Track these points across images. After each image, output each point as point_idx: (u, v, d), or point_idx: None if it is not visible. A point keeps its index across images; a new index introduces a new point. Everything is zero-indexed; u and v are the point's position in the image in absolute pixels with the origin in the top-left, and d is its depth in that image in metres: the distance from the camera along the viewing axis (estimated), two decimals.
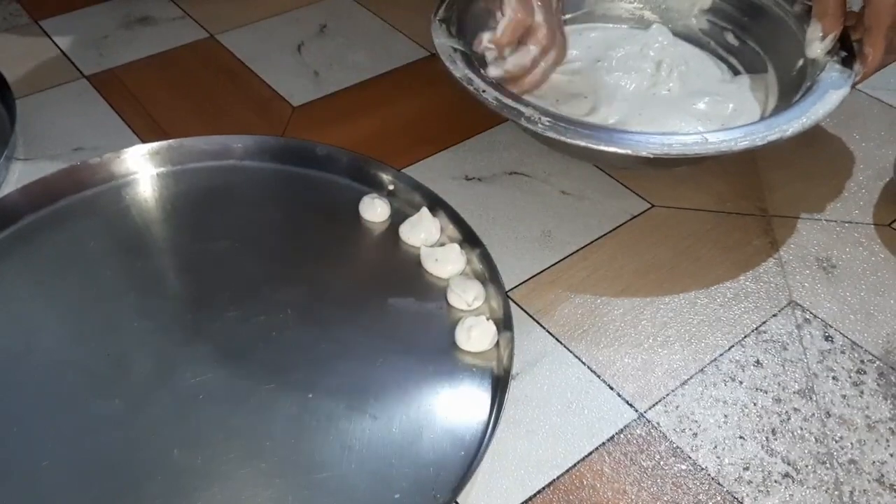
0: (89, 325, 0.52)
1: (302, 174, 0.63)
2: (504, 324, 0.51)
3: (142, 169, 0.62)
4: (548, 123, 0.55)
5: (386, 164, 0.62)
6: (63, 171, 0.60)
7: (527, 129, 0.56)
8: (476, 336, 0.51)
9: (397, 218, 0.59)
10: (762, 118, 0.61)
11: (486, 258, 0.55)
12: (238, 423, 0.47)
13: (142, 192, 0.61)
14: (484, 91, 0.57)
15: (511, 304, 0.54)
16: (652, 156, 0.53)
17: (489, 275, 0.54)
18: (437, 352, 0.51)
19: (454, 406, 0.48)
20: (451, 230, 0.58)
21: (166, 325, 0.52)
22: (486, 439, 0.46)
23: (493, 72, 0.62)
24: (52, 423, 0.47)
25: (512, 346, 0.50)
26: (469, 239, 0.57)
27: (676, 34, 0.72)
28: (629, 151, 0.53)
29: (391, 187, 0.61)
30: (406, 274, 0.56)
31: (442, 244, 0.57)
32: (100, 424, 0.47)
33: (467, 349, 0.51)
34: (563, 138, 0.54)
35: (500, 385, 0.49)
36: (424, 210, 0.58)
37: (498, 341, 0.51)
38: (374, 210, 0.59)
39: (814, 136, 0.68)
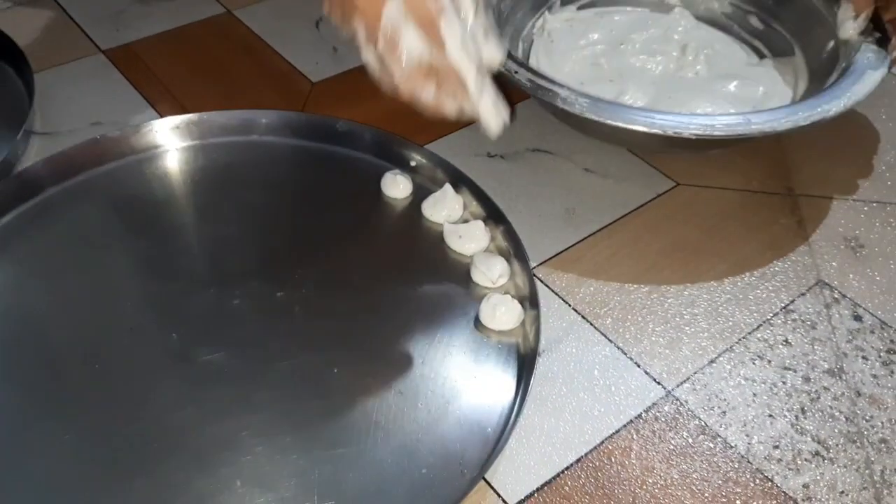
0: (109, 299, 0.52)
1: (323, 150, 0.62)
2: (530, 301, 0.51)
3: (163, 143, 0.62)
4: (586, 105, 0.54)
5: (408, 140, 0.61)
6: (84, 145, 0.60)
7: (561, 109, 0.55)
8: (502, 314, 0.50)
9: (420, 194, 0.59)
10: (799, 100, 0.60)
11: (510, 235, 0.55)
12: (261, 398, 0.47)
13: (162, 167, 0.61)
14: (516, 72, 0.56)
15: (535, 280, 0.54)
16: (695, 137, 0.52)
17: (514, 251, 0.54)
18: (462, 329, 0.51)
19: (480, 383, 0.48)
20: (475, 207, 0.57)
21: (187, 299, 0.52)
22: (512, 417, 0.46)
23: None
24: (73, 394, 0.47)
25: (538, 325, 0.49)
26: (493, 215, 0.56)
27: (698, 18, 0.71)
28: (672, 133, 0.52)
29: (413, 163, 0.61)
30: (429, 251, 0.56)
31: (465, 221, 0.56)
32: (122, 399, 0.47)
33: (493, 327, 0.50)
34: (602, 119, 0.53)
35: (526, 363, 0.48)
36: (447, 186, 0.57)
37: (524, 319, 0.51)
38: (397, 186, 0.59)
39: (840, 116, 0.67)
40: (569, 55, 0.69)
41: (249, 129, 0.63)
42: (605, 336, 0.51)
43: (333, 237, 0.56)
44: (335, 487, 0.43)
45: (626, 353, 0.50)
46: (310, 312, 0.51)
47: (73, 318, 0.51)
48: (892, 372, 0.50)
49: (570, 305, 0.53)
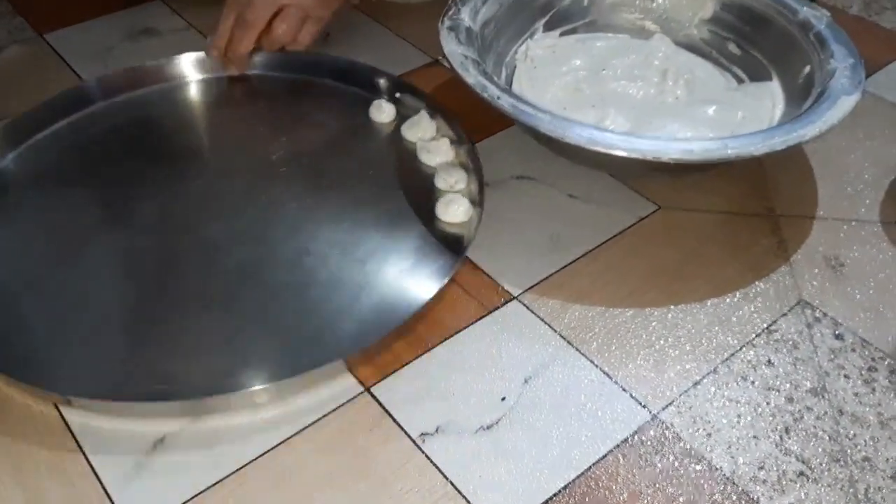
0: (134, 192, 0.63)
1: (318, 83, 0.73)
2: (479, 204, 0.60)
3: (173, 76, 0.73)
4: (567, 130, 0.55)
5: (393, 75, 0.72)
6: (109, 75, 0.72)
7: (544, 135, 0.56)
8: (454, 210, 0.59)
9: (402, 121, 0.68)
10: (777, 124, 0.61)
11: (471, 153, 0.63)
12: (252, 265, 0.57)
13: (174, 98, 0.73)
14: (499, 98, 0.57)
15: (521, 307, 0.55)
16: (674, 162, 0.53)
17: (473, 166, 0.63)
18: (421, 221, 0.60)
19: (430, 253, 0.58)
20: (445, 129, 0.67)
21: (190, 197, 0.63)
22: (452, 271, 0.56)
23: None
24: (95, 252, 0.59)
25: (480, 219, 0.59)
26: (459, 137, 0.65)
27: (678, 44, 0.73)
28: (652, 158, 0.53)
29: (397, 95, 0.70)
30: (402, 164, 0.65)
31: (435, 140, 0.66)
32: (143, 254, 0.58)
33: (445, 220, 0.60)
34: (583, 144, 0.54)
35: (465, 246, 0.58)
36: (423, 111, 0.67)
37: (471, 216, 0.60)
38: (382, 112, 0.69)
39: (815, 140, 0.68)
40: (551, 81, 0.70)
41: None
42: (591, 361, 0.52)
43: (323, 152, 0.67)
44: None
45: (611, 378, 0.51)
46: (292, 206, 0.61)
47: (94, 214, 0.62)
48: (874, 390, 0.50)
49: (555, 331, 0.54)
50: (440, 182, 0.62)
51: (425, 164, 0.64)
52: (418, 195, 0.62)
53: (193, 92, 0.73)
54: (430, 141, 0.65)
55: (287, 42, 0.71)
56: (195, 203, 0.62)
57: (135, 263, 0.58)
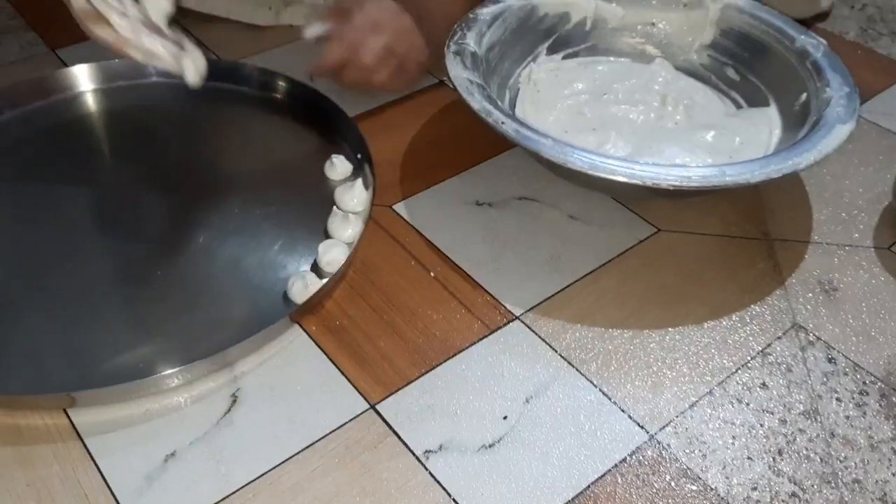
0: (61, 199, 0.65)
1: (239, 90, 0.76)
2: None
3: (83, 86, 0.74)
4: (569, 155, 0.56)
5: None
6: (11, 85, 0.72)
7: (544, 159, 0.57)
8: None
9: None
10: (775, 151, 0.63)
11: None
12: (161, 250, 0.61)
13: (88, 107, 0.74)
14: (503, 123, 0.59)
15: (523, 326, 0.56)
16: (672, 188, 0.55)
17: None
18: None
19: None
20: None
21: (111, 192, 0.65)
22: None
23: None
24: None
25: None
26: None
27: (678, 69, 0.75)
28: (651, 184, 0.55)
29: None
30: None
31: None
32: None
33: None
34: (585, 170, 0.56)
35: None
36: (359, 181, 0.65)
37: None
38: (335, 168, 0.67)
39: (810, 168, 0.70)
40: (554, 104, 0.72)
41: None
42: (591, 381, 0.53)
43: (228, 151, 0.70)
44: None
45: (610, 398, 0.52)
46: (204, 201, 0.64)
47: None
48: (865, 413, 0.52)
49: (556, 351, 0.55)
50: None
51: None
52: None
53: (107, 99, 0.74)
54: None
55: (376, 86, 0.71)
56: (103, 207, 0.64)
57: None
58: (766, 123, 0.68)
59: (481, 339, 0.56)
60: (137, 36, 0.56)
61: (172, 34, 0.58)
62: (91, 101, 0.74)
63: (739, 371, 0.54)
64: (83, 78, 0.74)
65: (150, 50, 0.57)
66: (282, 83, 0.74)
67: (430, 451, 0.49)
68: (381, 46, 0.68)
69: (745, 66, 0.72)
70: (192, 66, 0.58)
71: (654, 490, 0.48)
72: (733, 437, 0.50)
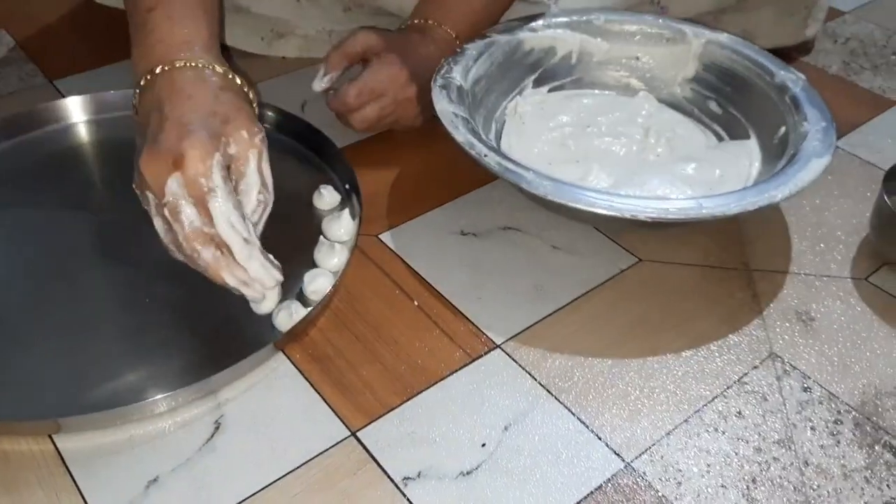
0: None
1: None
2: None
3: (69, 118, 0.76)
4: (549, 187, 0.58)
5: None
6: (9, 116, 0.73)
7: (526, 191, 0.59)
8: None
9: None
10: (752, 184, 0.64)
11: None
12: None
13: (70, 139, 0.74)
14: (486, 155, 0.60)
15: (503, 355, 0.57)
16: (651, 220, 0.56)
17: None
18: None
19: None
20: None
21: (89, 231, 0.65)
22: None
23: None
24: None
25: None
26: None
27: (661, 101, 0.76)
28: (629, 216, 0.56)
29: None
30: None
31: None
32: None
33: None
34: (565, 202, 0.57)
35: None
36: (346, 211, 0.66)
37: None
38: (322, 198, 0.68)
39: (786, 200, 0.71)
40: (538, 136, 0.73)
41: None
42: (569, 409, 0.54)
43: None
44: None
45: (588, 426, 0.53)
46: None
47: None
48: (839, 442, 0.53)
49: (536, 380, 0.56)
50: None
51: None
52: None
53: (102, 129, 0.75)
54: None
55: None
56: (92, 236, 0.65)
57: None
58: (747, 156, 0.69)
59: (462, 367, 0.57)
60: (249, 263, 0.54)
61: (271, 259, 0.56)
62: (85, 132, 0.75)
63: (716, 400, 0.55)
64: (77, 109, 0.76)
65: (255, 278, 0.55)
66: (272, 114, 0.76)
67: (408, 477, 0.50)
68: (374, 116, 0.71)
69: (727, 99, 0.74)
70: (271, 302, 0.57)
71: None
72: (708, 466, 0.51)
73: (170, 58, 0.57)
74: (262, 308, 0.57)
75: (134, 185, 0.56)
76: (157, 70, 0.57)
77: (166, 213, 0.53)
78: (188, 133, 0.53)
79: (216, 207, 0.53)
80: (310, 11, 0.85)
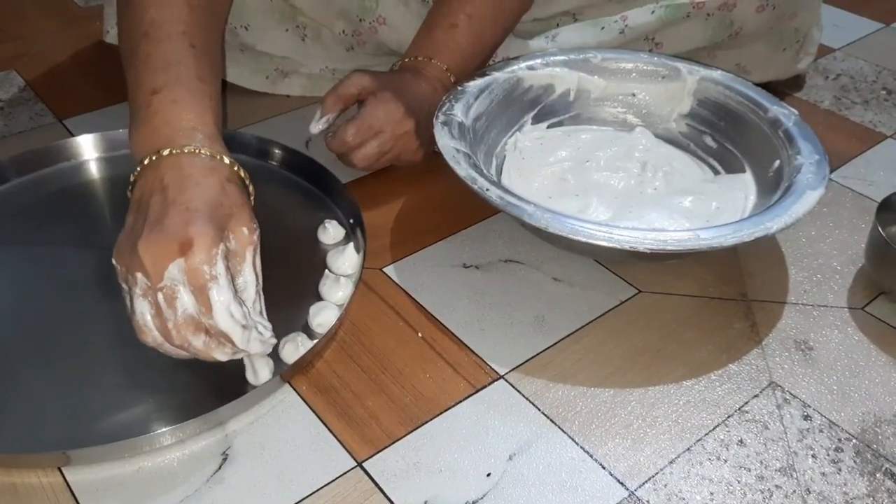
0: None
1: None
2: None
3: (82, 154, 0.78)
4: (550, 220, 0.59)
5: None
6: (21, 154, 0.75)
7: (527, 224, 0.60)
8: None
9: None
10: (747, 216, 0.65)
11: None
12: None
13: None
14: (487, 189, 0.62)
15: (507, 385, 0.58)
16: (649, 251, 0.57)
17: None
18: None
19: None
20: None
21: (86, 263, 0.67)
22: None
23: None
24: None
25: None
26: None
27: (658, 136, 0.78)
28: (628, 248, 0.57)
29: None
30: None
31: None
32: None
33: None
34: (565, 235, 0.58)
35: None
36: (350, 245, 0.67)
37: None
38: (327, 233, 0.69)
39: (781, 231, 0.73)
40: (538, 171, 0.75)
41: None
42: (573, 439, 0.55)
43: None
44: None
45: (591, 456, 0.54)
46: None
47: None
48: (840, 470, 0.53)
49: (539, 410, 0.57)
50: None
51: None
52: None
53: (110, 166, 0.77)
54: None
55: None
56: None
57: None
58: (742, 189, 0.70)
59: (467, 397, 0.57)
60: (249, 345, 0.53)
61: (265, 324, 0.56)
62: (95, 169, 0.77)
63: (718, 428, 0.56)
64: (88, 147, 0.77)
65: (254, 352, 0.55)
66: (277, 151, 0.78)
67: None
68: (375, 153, 0.72)
69: (722, 134, 0.76)
70: (264, 369, 0.56)
71: None
72: (711, 494, 0.52)
73: (178, 142, 0.56)
74: (259, 379, 0.56)
75: (114, 261, 0.54)
76: (165, 153, 0.55)
77: (160, 297, 0.51)
78: (195, 220, 0.52)
79: (216, 297, 0.51)
80: (313, 50, 0.87)
